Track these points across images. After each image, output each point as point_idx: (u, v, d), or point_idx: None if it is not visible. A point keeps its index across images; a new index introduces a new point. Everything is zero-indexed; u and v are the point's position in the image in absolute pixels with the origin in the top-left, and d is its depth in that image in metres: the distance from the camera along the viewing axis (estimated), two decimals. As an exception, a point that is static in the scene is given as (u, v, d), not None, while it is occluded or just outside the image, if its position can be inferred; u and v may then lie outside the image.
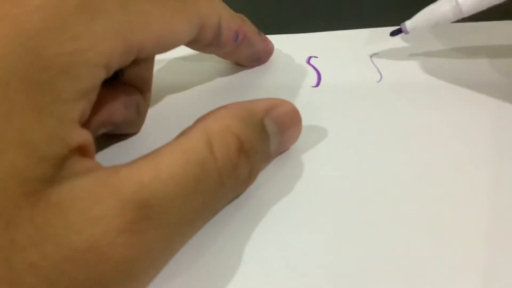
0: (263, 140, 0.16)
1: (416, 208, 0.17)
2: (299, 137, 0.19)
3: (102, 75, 0.14)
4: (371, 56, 0.25)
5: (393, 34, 0.24)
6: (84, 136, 0.13)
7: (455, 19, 0.21)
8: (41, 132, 0.12)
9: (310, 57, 0.25)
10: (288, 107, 0.17)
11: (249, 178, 0.16)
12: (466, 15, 0.21)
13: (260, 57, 0.24)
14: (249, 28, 0.22)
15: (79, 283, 0.11)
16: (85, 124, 0.14)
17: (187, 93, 0.23)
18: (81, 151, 0.13)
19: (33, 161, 0.11)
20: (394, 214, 0.16)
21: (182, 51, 0.21)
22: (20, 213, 0.11)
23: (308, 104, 0.22)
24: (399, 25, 0.23)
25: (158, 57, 0.22)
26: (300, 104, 0.19)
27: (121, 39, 0.14)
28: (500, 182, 0.17)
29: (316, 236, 0.16)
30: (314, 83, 0.23)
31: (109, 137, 0.20)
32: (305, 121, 0.19)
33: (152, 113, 0.21)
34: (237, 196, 0.17)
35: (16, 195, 0.11)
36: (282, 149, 0.19)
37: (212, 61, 0.25)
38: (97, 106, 0.16)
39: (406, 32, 0.23)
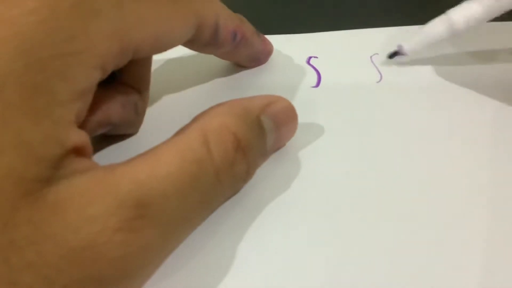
0: (260, 136, 0.17)
1: (415, 208, 0.17)
2: (295, 133, 0.19)
3: (98, 76, 0.14)
4: (371, 56, 0.25)
5: (391, 57, 0.24)
6: (81, 137, 0.13)
7: (451, 38, 0.22)
8: (37, 133, 0.12)
9: (310, 57, 0.25)
10: (284, 104, 0.18)
11: (247, 175, 0.16)
12: (461, 33, 0.21)
13: (259, 57, 0.24)
14: (248, 28, 0.21)
15: (77, 281, 0.11)
16: (83, 124, 0.14)
17: (186, 93, 0.23)
18: (78, 151, 0.13)
19: (29, 162, 0.11)
20: (392, 213, 0.16)
21: (181, 51, 0.21)
22: (18, 213, 0.11)
23: (308, 104, 0.22)
24: (398, 25, 0.23)
25: (156, 57, 0.22)
26: (300, 104, 0.19)
27: (117, 40, 0.14)
28: (500, 182, 0.17)
29: (313, 233, 0.16)
30: (314, 83, 0.23)
31: (108, 138, 0.20)
32: (305, 121, 0.19)
33: (151, 113, 0.21)
34: (234, 193, 0.17)
35: (14, 195, 0.11)
36: (278, 146, 0.19)
37: (211, 61, 0.25)
38: (94, 107, 0.16)
39: (404, 54, 0.23)
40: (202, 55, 0.24)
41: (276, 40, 0.25)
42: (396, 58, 0.24)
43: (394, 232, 0.16)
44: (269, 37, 0.25)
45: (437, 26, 0.22)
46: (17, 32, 0.12)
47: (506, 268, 0.14)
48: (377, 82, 0.23)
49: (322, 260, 0.15)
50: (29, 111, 0.12)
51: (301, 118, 0.19)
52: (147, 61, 0.19)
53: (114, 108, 0.18)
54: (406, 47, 0.23)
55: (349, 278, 0.15)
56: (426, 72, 0.23)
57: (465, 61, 0.23)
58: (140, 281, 0.14)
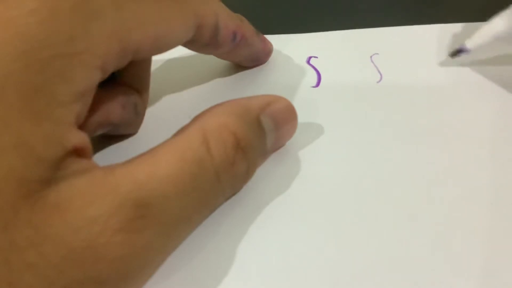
0: (259, 136, 0.17)
1: (415, 208, 0.17)
2: (295, 132, 0.19)
3: (98, 77, 0.14)
4: (371, 56, 0.25)
5: (453, 55, 0.22)
6: (81, 138, 0.13)
7: None
8: (38, 134, 0.12)
9: (310, 57, 0.25)
10: (283, 103, 0.18)
11: (247, 174, 0.16)
12: None
13: (258, 57, 0.24)
14: (248, 28, 0.21)
15: (78, 281, 0.12)
16: (83, 125, 0.14)
17: (186, 93, 0.23)
18: (78, 152, 0.13)
19: (30, 163, 0.11)
20: (392, 213, 0.16)
21: (181, 51, 0.21)
22: (18, 214, 0.11)
23: (308, 105, 0.22)
24: (398, 24, 0.22)
25: (156, 57, 0.22)
26: (300, 104, 0.19)
27: (117, 41, 0.14)
28: (501, 182, 0.17)
29: (313, 233, 0.16)
30: (314, 83, 0.23)
31: (108, 138, 0.20)
32: (305, 121, 0.19)
33: (151, 113, 0.22)
34: (234, 193, 0.17)
35: (14, 196, 0.11)
36: (278, 145, 0.19)
37: (210, 61, 0.25)
38: (94, 107, 0.16)
39: (467, 51, 0.22)
40: (202, 55, 0.24)
41: (276, 40, 0.25)
42: (458, 58, 0.22)
43: (395, 232, 0.16)
44: (269, 37, 0.25)
45: (501, 22, 0.20)
46: (17, 32, 0.12)
47: (507, 268, 0.14)
48: (377, 82, 0.23)
49: (322, 260, 0.15)
50: (29, 112, 0.12)
51: (301, 118, 0.19)
52: (147, 61, 0.19)
53: (114, 109, 0.18)
54: (469, 45, 0.21)
55: (349, 278, 0.15)
56: (426, 72, 0.23)
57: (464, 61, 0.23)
58: (141, 281, 0.14)
